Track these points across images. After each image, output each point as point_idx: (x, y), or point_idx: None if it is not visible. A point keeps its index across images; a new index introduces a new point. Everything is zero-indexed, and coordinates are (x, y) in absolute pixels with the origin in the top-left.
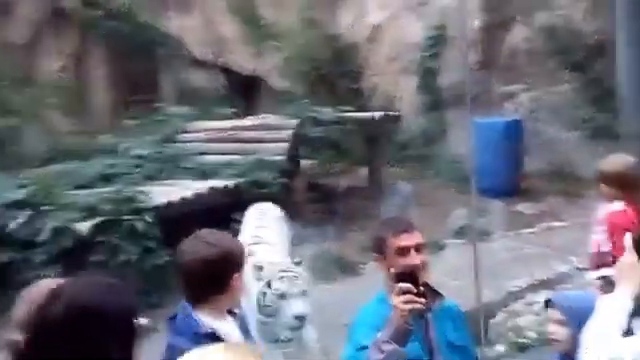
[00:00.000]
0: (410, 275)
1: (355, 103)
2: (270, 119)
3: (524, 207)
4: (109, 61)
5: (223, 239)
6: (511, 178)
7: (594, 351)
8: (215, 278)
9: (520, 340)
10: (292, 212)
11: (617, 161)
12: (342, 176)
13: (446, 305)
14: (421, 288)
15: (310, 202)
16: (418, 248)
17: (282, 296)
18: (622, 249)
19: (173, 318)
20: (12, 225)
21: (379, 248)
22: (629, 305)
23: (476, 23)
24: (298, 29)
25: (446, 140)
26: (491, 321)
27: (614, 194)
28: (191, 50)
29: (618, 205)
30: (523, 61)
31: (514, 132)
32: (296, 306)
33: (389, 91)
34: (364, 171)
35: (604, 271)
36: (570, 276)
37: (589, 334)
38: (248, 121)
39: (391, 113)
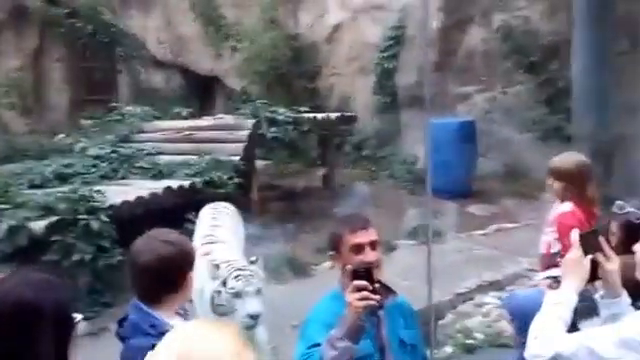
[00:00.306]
0: (365, 272)
1: (312, 103)
2: (227, 119)
3: (476, 208)
4: (68, 60)
5: (178, 238)
6: (464, 179)
7: (538, 345)
8: (170, 277)
9: (468, 341)
10: (247, 212)
11: (569, 158)
12: (298, 177)
13: (398, 302)
14: (376, 285)
15: (265, 202)
16: (373, 245)
17: (237, 295)
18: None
19: (124, 319)
20: None
21: (335, 245)
22: (574, 300)
23: (434, 24)
24: (258, 29)
25: (400, 141)
26: (440, 322)
27: (563, 192)
28: (151, 50)
29: (567, 206)
30: (479, 62)
31: (467, 133)
32: (251, 305)
33: (346, 92)
34: (320, 172)
35: (553, 271)
36: (520, 277)
37: (534, 328)
38: (204, 121)
39: (347, 114)
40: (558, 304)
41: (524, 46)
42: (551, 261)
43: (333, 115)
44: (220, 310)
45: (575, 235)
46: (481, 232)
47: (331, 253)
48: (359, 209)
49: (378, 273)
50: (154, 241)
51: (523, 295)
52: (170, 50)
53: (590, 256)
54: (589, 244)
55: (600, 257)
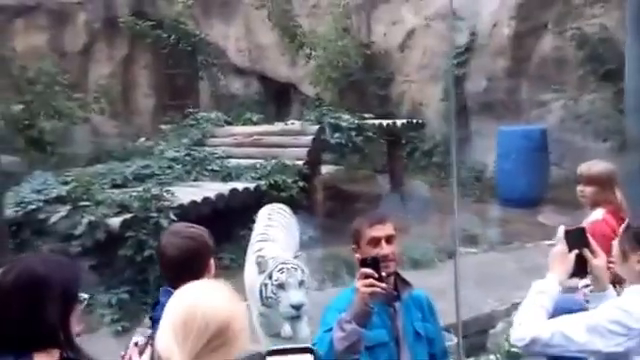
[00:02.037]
0: (373, 262)
1: (384, 110)
2: (294, 125)
3: (546, 218)
4: (153, 67)
5: (196, 232)
6: (535, 188)
7: (521, 330)
8: (194, 266)
9: (512, 350)
10: (310, 215)
11: (598, 164)
12: (366, 182)
13: (416, 295)
14: (383, 274)
15: (330, 206)
16: (389, 239)
17: (281, 286)
18: (606, 256)
19: (156, 304)
20: (53, 218)
21: (355, 239)
22: (556, 290)
23: (506, 31)
24: (332, 37)
25: (470, 148)
26: (491, 331)
27: (594, 197)
28: (230, 57)
29: (599, 213)
30: (553, 70)
31: (538, 141)
32: (294, 295)
33: (417, 98)
34: (387, 177)
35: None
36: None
37: (519, 314)
38: (272, 127)
39: (414, 120)
40: (541, 293)
41: (600, 54)
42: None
43: (399, 122)
44: (267, 302)
45: (560, 231)
46: (549, 242)
47: (353, 246)
48: (421, 215)
49: (393, 265)
50: (176, 237)
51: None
52: (249, 58)
53: (576, 251)
54: (575, 240)
55: (587, 253)
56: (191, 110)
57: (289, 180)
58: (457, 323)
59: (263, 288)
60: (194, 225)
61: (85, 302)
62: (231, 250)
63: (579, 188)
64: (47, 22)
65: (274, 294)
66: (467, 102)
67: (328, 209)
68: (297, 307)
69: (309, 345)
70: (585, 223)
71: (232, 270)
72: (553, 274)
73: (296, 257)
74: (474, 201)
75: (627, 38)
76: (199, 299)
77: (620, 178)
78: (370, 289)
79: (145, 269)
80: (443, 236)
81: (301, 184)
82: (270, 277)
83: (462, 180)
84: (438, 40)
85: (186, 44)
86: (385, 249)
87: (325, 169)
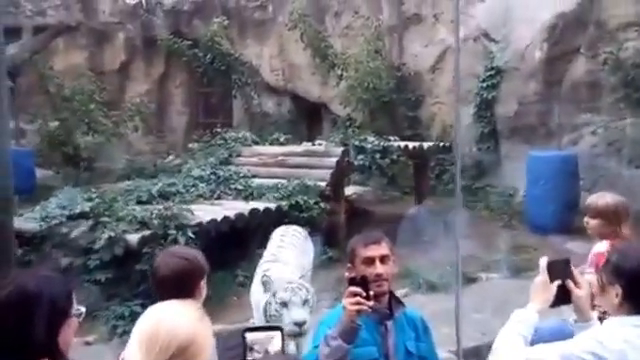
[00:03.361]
0: (361, 280)
1: (414, 131)
2: (319, 146)
3: (575, 245)
4: (188, 86)
5: (190, 253)
6: (565, 215)
7: (496, 356)
8: (185, 286)
9: None
10: (332, 236)
11: (605, 196)
12: (393, 204)
13: (410, 315)
14: (371, 293)
15: (354, 227)
16: (383, 259)
17: (284, 304)
18: None
19: None
20: (75, 233)
21: (350, 258)
22: (535, 319)
23: (538, 54)
24: (363, 58)
25: (500, 172)
26: None
27: (600, 230)
28: (264, 77)
29: (603, 246)
30: (585, 94)
31: (569, 166)
32: (296, 313)
33: (447, 121)
34: (413, 200)
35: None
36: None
37: (497, 341)
38: (297, 148)
39: (441, 143)
40: (520, 322)
41: (633, 79)
42: (592, 301)
43: (425, 144)
44: (271, 320)
45: (543, 262)
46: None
47: (348, 265)
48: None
49: (387, 285)
50: (170, 257)
51: (548, 329)
52: (282, 77)
53: (558, 282)
54: (558, 271)
55: (570, 284)
56: (219, 129)
57: (311, 201)
58: (457, 350)
59: (267, 306)
60: (190, 248)
61: (82, 315)
62: (246, 268)
63: (585, 219)
64: (87, 41)
65: (277, 312)
66: (497, 125)
67: (352, 230)
68: (300, 324)
69: (279, 325)
70: (591, 254)
71: (246, 287)
72: (533, 303)
73: (302, 277)
74: (502, 226)
75: None
76: (165, 317)
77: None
78: (357, 307)
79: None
80: (465, 261)
81: (322, 205)
82: (274, 295)
83: (491, 204)
84: (469, 62)
85: (220, 63)
86: (378, 269)
87: (353, 190)
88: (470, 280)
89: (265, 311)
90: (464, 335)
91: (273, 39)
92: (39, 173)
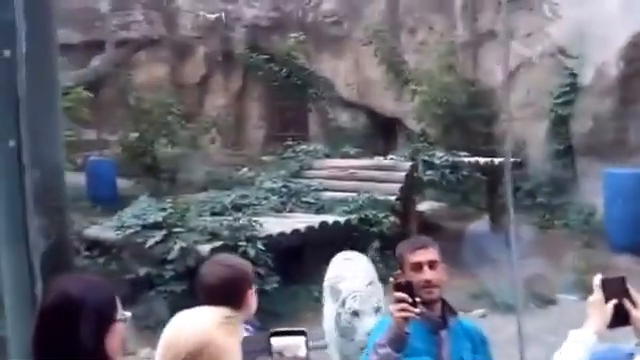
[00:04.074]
0: (407, 285)
1: (488, 147)
2: (388, 161)
3: None
4: (265, 99)
5: (236, 261)
6: None
7: None
8: (232, 295)
9: None
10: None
11: None
12: (468, 220)
13: (466, 325)
14: (417, 299)
15: None
16: (432, 265)
17: (355, 314)
18: None
19: None
20: (149, 243)
21: (399, 264)
22: (592, 340)
23: (614, 72)
24: (436, 74)
25: (577, 190)
26: None
27: None
28: (339, 91)
29: None
30: None
31: None
32: (369, 323)
33: (520, 137)
34: (487, 216)
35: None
36: None
37: None
38: (367, 161)
39: (513, 159)
40: (577, 343)
41: None
42: None
43: (497, 160)
44: (343, 332)
45: (597, 279)
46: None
47: (398, 272)
48: (521, 257)
49: (437, 291)
50: (216, 265)
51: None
52: (357, 91)
53: (614, 301)
54: (613, 289)
55: (627, 303)
56: (290, 143)
57: (380, 215)
58: None
59: (337, 317)
60: (234, 256)
61: (127, 320)
62: (320, 283)
63: None
64: (168, 55)
65: (349, 323)
66: (573, 142)
67: None
68: None
69: (304, 329)
70: None
71: (321, 303)
72: (589, 324)
73: (370, 284)
74: (581, 245)
75: None
76: (182, 323)
77: None
78: (403, 313)
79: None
80: (540, 280)
81: (392, 219)
82: (343, 305)
83: (570, 223)
84: (543, 78)
85: (296, 78)
86: (427, 274)
87: (427, 205)
88: (548, 302)
89: (337, 323)
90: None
91: (348, 54)
92: (121, 183)
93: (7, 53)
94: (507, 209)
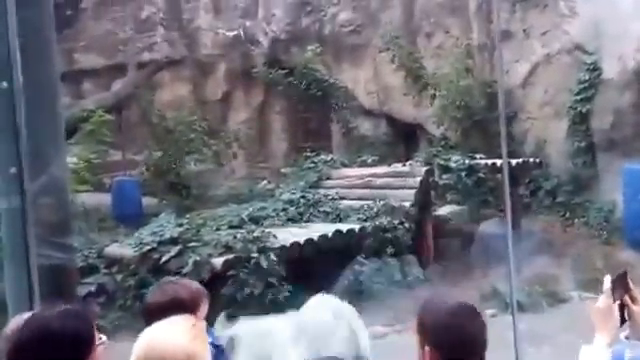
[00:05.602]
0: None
1: (508, 148)
2: (404, 167)
3: None
4: (287, 112)
5: (187, 283)
6: None
7: None
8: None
9: None
10: (418, 256)
11: None
12: (486, 222)
13: None
14: None
15: (444, 247)
16: None
17: None
18: None
19: None
20: (165, 257)
21: None
22: (607, 355)
23: (632, 64)
24: (454, 77)
25: (598, 187)
26: None
27: None
28: (360, 100)
29: None
30: None
31: None
32: None
33: (540, 136)
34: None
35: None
36: None
37: None
38: (382, 169)
39: (531, 159)
40: None
41: None
42: None
43: (514, 161)
44: None
45: (607, 282)
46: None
47: None
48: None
49: None
50: (165, 286)
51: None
52: (377, 99)
53: (618, 301)
54: (619, 288)
55: (627, 299)
56: (309, 154)
57: (395, 221)
58: None
59: None
60: (183, 278)
61: (105, 344)
62: (332, 291)
63: None
64: (190, 73)
65: None
66: (594, 139)
67: (442, 250)
68: None
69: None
70: None
71: None
72: (600, 336)
73: None
74: (600, 242)
75: None
76: (157, 338)
77: None
78: None
79: (245, 306)
80: (553, 279)
81: (407, 225)
82: None
83: (590, 221)
84: (561, 76)
85: (316, 89)
86: None
87: (448, 209)
88: (561, 300)
89: None
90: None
91: (367, 62)
92: (147, 201)
93: (4, 84)
94: (505, 210)
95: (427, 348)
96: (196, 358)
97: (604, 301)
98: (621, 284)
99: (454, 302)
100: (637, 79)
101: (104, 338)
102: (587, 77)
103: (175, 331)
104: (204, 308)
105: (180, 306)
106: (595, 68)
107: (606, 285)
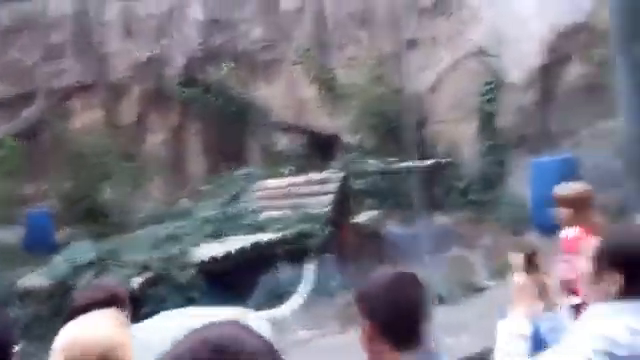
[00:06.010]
0: None
1: (422, 152)
2: (319, 174)
3: None
4: (203, 132)
5: (109, 284)
6: None
7: None
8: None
9: None
10: (340, 260)
11: (571, 186)
12: (402, 224)
13: None
14: None
15: (360, 250)
16: None
17: None
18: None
19: None
20: (81, 282)
21: None
22: (527, 329)
23: (533, 65)
24: (367, 86)
25: (507, 183)
26: None
27: (569, 219)
28: (276, 115)
29: (571, 231)
30: (582, 98)
31: (569, 170)
32: None
33: (451, 138)
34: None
35: (573, 299)
36: None
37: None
38: (299, 178)
39: (442, 160)
40: (511, 334)
41: None
42: (568, 287)
43: (427, 163)
44: None
45: (516, 259)
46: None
47: None
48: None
49: None
50: (84, 290)
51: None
52: (293, 113)
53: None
54: (533, 264)
55: (542, 274)
56: (226, 170)
57: (314, 228)
58: None
59: None
60: (109, 280)
61: (17, 354)
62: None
63: (555, 210)
64: (103, 97)
65: None
66: (501, 138)
67: (360, 253)
68: None
69: None
70: (562, 240)
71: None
72: (517, 310)
73: None
74: (511, 233)
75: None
76: (80, 330)
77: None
78: None
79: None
80: (469, 271)
81: (326, 231)
82: None
83: (501, 216)
84: (468, 80)
85: (233, 106)
86: None
87: (366, 215)
88: (477, 290)
89: None
90: (471, 343)
91: (282, 77)
92: (62, 231)
93: None
94: (415, 209)
95: (367, 321)
96: (119, 348)
97: (517, 277)
98: (532, 262)
99: (393, 272)
100: (539, 78)
101: (16, 348)
102: (492, 79)
103: (96, 323)
104: (126, 305)
105: (101, 303)
106: (499, 70)
107: (516, 261)
